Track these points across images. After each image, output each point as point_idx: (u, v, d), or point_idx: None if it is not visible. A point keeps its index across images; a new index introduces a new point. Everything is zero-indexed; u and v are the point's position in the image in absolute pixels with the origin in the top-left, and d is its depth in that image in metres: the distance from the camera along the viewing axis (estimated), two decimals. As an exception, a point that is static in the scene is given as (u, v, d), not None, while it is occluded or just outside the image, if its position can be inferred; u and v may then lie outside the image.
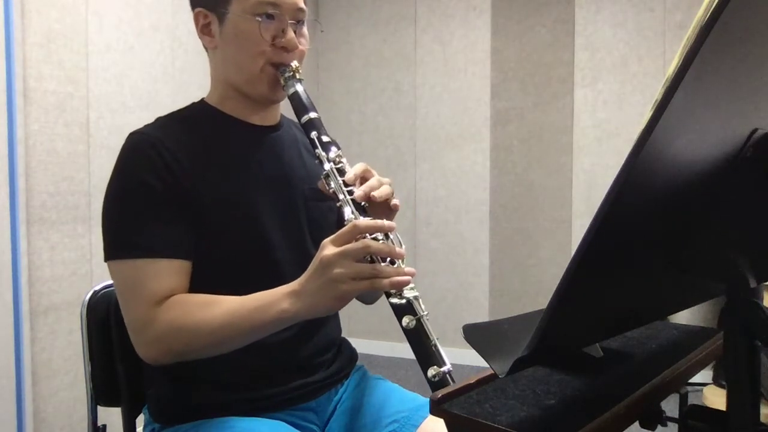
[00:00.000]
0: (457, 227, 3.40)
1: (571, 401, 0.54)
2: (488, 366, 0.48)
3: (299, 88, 0.93)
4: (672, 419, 0.58)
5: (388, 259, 0.79)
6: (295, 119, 0.97)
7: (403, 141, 3.50)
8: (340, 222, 0.99)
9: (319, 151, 0.90)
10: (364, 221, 0.79)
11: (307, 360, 0.97)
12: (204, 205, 0.88)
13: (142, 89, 2.18)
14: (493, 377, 0.57)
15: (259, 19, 0.89)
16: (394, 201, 0.91)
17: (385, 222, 0.80)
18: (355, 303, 0.78)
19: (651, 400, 0.56)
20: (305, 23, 0.97)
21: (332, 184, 0.88)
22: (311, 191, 0.97)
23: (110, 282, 1.06)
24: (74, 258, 1.94)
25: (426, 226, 3.46)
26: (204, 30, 0.96)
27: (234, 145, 0.95)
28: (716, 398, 2.51)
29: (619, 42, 3.05)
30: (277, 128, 1.03)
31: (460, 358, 2.68)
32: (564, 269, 0.39)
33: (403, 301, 0.79)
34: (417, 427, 0.94)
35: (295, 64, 0.93)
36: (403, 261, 0.81)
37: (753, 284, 0.47)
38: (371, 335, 3.43)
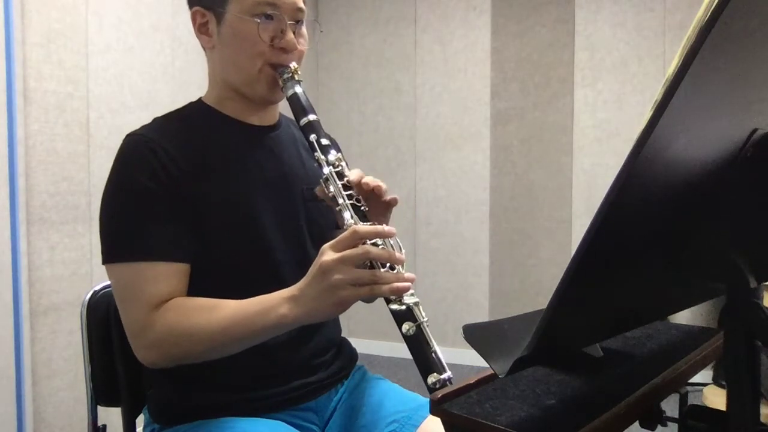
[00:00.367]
0: (457, 227, 3.40)
1: (571, 401, 0.54)
2: (488, 366, 0.48)
3: (298, 89, 0.92)
4: (672, 419, 0.58)
5: (388, 264, 0.79)
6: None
7: (403, 141, 3.50)
8: (338, 224, 0.99)
9: (319, 154, 0.89)
10: (363, 226, 0.79)
11: (307, 360, 0.97)
12: (202, 207, 0.88)
13: (142, 89, 2.18)
14: (493, 377, 0.57)
15: (258, 20, 0.88)
16: (393, 195, 0.91)
17: (385, 227, 0.79)
18: (355, 303, 0.78)
19: (651, 400, 0.56)
20: (304, 23, 0.96)
21: (331, 188, 0.87)
22: (310, 191, 0.96)
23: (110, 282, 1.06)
24: (74, 258, 1.94)
25: (426, 226, 3.46)
26: (201, 29, 0.95)
27: (232, 145, 0.95)
28: (716, 398, 2.51)
29: (619, 42, 3.05)
30: (276, 128, 1.02)
31: (460, 358, 2.69)
32: (564, 269, 0.39)
33: (403, 307, 0.78)
34: (417, 427, 0.94)
35: (294, 65, 0.92)
36: (403, 266, 0.80)
37: (753, 284, 0.47)
38: (371, 335, 3.43)
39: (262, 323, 0.79)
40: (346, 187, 0.86)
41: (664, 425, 0.57)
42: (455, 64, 3.38)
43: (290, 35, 0.91)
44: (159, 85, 2.26)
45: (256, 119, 0.99)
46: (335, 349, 1.04)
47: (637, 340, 0.73)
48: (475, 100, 3.34)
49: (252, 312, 0.80)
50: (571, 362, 0.63)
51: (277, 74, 0.92)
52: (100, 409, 1.04)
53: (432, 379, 0.76)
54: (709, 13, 0.33)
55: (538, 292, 3.24)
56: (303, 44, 0.95)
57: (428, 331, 0.78)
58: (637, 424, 0.56)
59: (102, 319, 1.03)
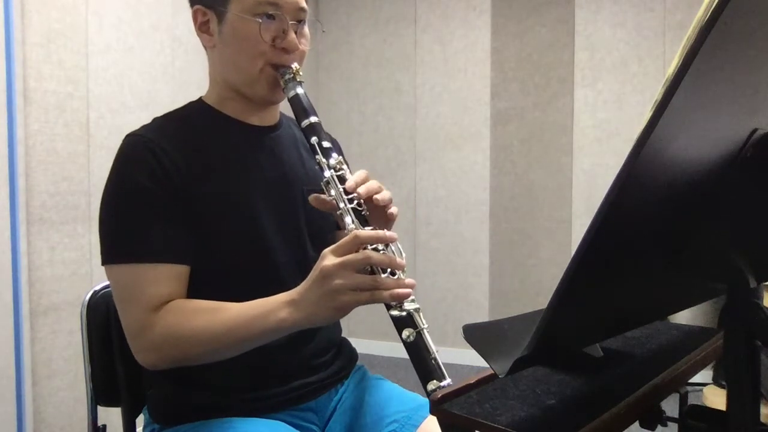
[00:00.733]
0: (457, 227, 3.40)
1: (571, 401, 0.54)
2: (488, 366, 0.48)
3: (300, 90, 0.91)
4: (672, 419, 0.58)
5: (389, 270, 0.78)
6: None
7: (403, 141, 3.50)
8: (339, 225, 0.98)
9: (320, 157, 0.89)
10: (365, 232, 0.78)
11: (308, 360, 0.97)
12: (202, 207, 0.88)
13: (142, 89, 2.19)
14: (493, 377, 0.57)
15: (260, 20, 0.88)
16: (393, 209, 0.90)
17: (387, 233, 0.79)
18: (355, 308, 0.78)
19: (651, 400, 0.56)
20: (306, 23, 0.95)
21: (332, 192, 0.86)
22: (310, 192, 0.95)
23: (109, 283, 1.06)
24: (74, 258, 1.94)
25: (426, 226, 3.46)
26: (202, 28, 0.94)
27: (232, 146, 0.94)
28: (716, 398, 2.51)
29: (619, 42, 3.05)
30: (276, 128, 1.02)
31: (460, 358, 2.69)
32: (564, 269, 0.39)
33: (404, 313, 0.78)
34: (417, 427, 0.94)
35: (295, 66, 0.91)
36: (403, 272, 0.80)
37: (753, 284, 0.47)
38: (371, 335, 3.43)
39: (262, 327, 0.79)
40: (347, 191, 0.86)
41: (664, 425, 0.57)
42: (455, 64, 3.38)
43: (292, 35, 0.90)
44: (159, 85, 2.26)
45: (256, 119, 0.98)
46: (335, 350, 1.04)
47: (637, 340, 0.73)
48: (475, 100, 3.34)
49: (251, 315, 0.80)
50: (571, 362, 0.63)
51: (278, 75, 0.91)
52: (100, 409, 1.04)
53: (431, 386, 0.76)
54: (709, 13, 0.33)
55: (538, 292, 3.24)
56: (305, 44, 0.94)
57: (428, 338, 0.78)
58: (637, 424, 0.56)
59: (102, 319, 1.03)
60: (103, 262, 0.86)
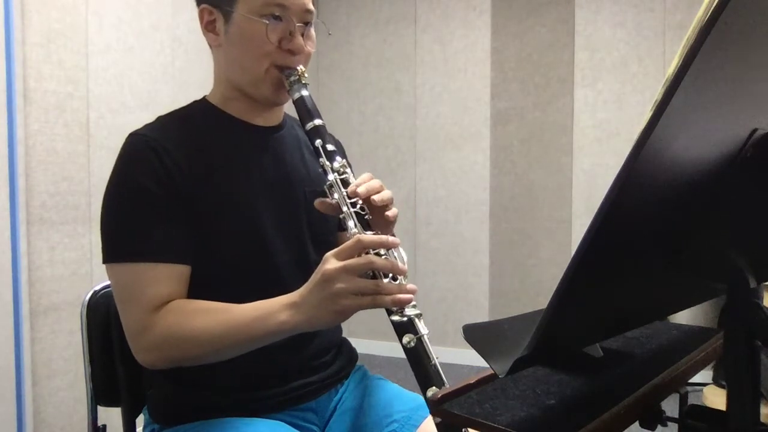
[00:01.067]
0: (457, 227, 3.40)
1: (571, 401, 0.54)
2: (488, 366, 0.48)
3: (305, 93, 0.91)
4: (672, 419, 0.58)
5: (391, 275, 0.78)
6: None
7: (403, 141, 3.50)
8: (341, 227, 0.98)
9: (324, 160, 0.88)
10: (368, 236, 0.78)
11: (308, 361, 0.97)
12: (203, 207, 0.87)
13: (142, 89, 2.19)
14: (493, 377, 0.57)
15: (266, 21, 0.87)
16: (391, 211, 0.90)
17: (389, 238, 0.79)
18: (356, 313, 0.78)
19: (651, 400, 0.56)
20: (312, 25, 0.94)
21: (335, 195, 0.86)
22: (312, 193, 0.95)
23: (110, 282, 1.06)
24: (74, 258, 1.94)
25: (426, 226, 3.46)
26: (208, 27, 0.93)
27: (235, 146, 0.94)
28: (716, 398, 2.51)
29: (619, 42, 3.05)
30: (280, 128, 1.01)
31: (460, 358, 2.69)
32: (564, 269, 0.39)
33: (405, 319, 0.78)
34: (417, 427, 0.94)
35: (301, 68, 0.91)
36: (405, 277, 0.80)
37: (753, 284, 0.47)
38: (371, 335, 3.43)
39: (262, 329, 0.79)
40: (350, 194, 0.85)
41: (664, 425, 0.57)
42: (455, 64, 3.38)
43: (298, 37, 0.90)
44: (159, 85, 2.26)
45: (260, 120, 0.98)
46: (335, 350, 1.04)
47: (637, 340, 0.73)
48: (475, 100, 3.34)
49: (252, 317, 0.80)
50: (571, 362, 0.63)
51: (283, 76, 0.91)
52: (100, 409, 1.04)
53: (431, 392, 0.76)
54: (709, 13, 0.33)
55: (538, 292, 3.24)
56: (310, 46, 0.94)
57: (428, 344, 0.78)
58: (637, 424, 0.56)
59: (102, 319, 1.03)
60: (104, 261, 0.86)
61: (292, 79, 0.91)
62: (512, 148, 3.29)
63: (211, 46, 0.96)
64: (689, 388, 0.62)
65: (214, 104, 0.97)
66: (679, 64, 0.34)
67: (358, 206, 0.85)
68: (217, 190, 0.89)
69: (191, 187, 0.86)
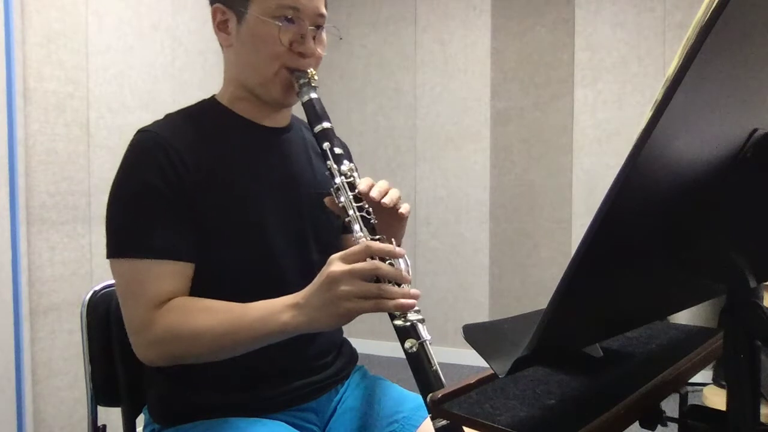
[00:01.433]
0: (457, 227, 3.40)
1: (571, 401, 0.54)
2: (488, 366, 0.48)
3: (314, 95, 0.91)
4: (672, 419, 0.58)
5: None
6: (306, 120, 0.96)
7: (403, 141, 3.50)
8: (345, 229, 0.98)
9: (331, 163, 0.89)
10: (377, 244, 0.78)
11: (309, 361, 0.97)
12: (209, 207, 0.88)
13: (142, 89, 2.18)
14: (493, 377, 0.57)
15: (279, 23, 0.88)
16: (403, 207, 0.90)
17: (396, 248, 0.80)
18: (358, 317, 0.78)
19: (651, 400, 0.56)
20: (324, 29, 0.95)
21: (342, 199, 0.87)
22: (318, 196, 0.96)
23: (110, 282, 1.06)
24: (74, 258, 1.94)
25: (426, 226, 3.46)
26: (220, 27, 0.94)
27: (243, 146, 0.94)
28: (716, 398, 2.51)
29: (619, 42, 3.05)
30: (287, 130, 1.02)
31: (460, 358, 2.69)
32: (564, 269, 0.39)
33: (407, 324, 0.78)
34: (417, 427, 0.95)
35: (311, 71, 0.92)
36: (408, 286, 0.80)
37: (753, 284, 0.47)
38: (371, 335, 3.43)
39: (264, 329, 0.79)
40: (356, 198, 0.86)
41: (664, 425, 0.57)
42: (455, 64, 3.38)
43: (310, 40, 0.90)
44: (159, 85, 2.26)
45: (268, 121, 0.98)
46: (336, 351, 1.04)
47: (637, 340, 0.73)
48: (475, 100, 3.34)
49: (254, 317, 0.80)
50: (571, 362, 0.63)
51: (293, 78, 0.91)
52: (100, 409, 1.04)
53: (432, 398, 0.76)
54: (709, 13, 0.33)
55: (538, 292, 3.24)
56: (321, 50, 0.95)
57: (430, 350, 0.78)
58: (637, 424, 0.56)
59: (102, 319, 1.03)
60: (108, 256, 0.86)
61: (302, 81, 0.91)
62: (512, 148, 3.29)
63: (222, 46, 0.97)
64: (689, 388, 0.62)
65: (222, 103, 0.97)
66: (679, 64, 0.34)
67: (365, 210, 0.85)
68: (223, 188, 0.89)
69: (198, 184, 0.87)
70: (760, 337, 0.46)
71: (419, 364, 0.77)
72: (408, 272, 0.80)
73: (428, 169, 3.45)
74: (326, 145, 0.90)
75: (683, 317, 2.56)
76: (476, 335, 0.56)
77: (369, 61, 3.56)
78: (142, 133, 0.89)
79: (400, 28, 3.49)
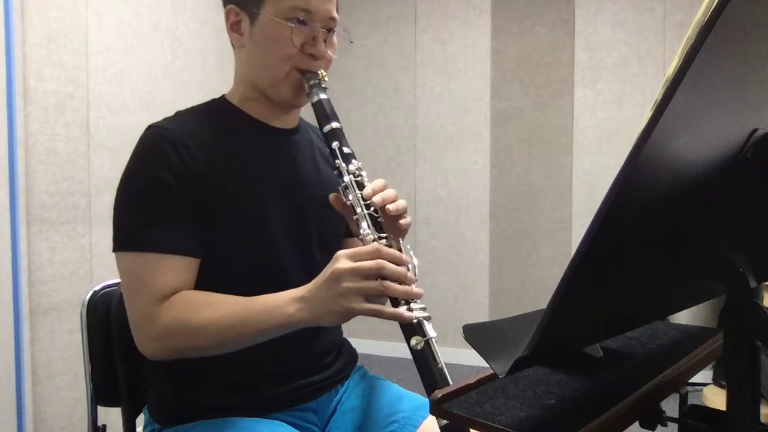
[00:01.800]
0: (457, 227, 3.40)
1: (571, 401, 0.54)
2: (488, 366, 0.48)
3: (323, 96, 0.93)
4: (672, 419, 0.58)
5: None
6: (314, 123, 0.97)
7: (403, 141, 3.50)
8: (349, 231, 0.99)
9: (339, 162, 0.90)
10: (386, 248, 0.79)
11: (309, 361, 0.97)
12: (216, 204, 0.88)
13: (142, 89, 2.18)
14: (493, 377, 0.57)
15: (292, 25, 0.89)
16: (404, 220, 0.91)
17: (403, 256, 0.81)
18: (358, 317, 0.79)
19: (651, 400, 0.56)
20: (334, 32, 0.96)
21: (350, 197, 0.88)
22: (323, 198, 0.97)
23: (110, 282, 1.06)
24: (74, 258, 1.94)
25: (426, 226, 3.46)
26: (233, 27, 0.95)
27: (251, 145, 0.95)
28: (716, 398, 2.51)
29: (619, 42, 3.05)
30: (295, 132, 1.03)
31: (460, 358, 2.69)
32: (564, 269, 0.39)
33: (414, 321, 0.78)
34: (417, 427, 0.95)
35: (322, 72, 0.93)
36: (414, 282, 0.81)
37: (753, 284, 0.47)
38: (371, 335, 3.43)
39: (269, 322, 0.80)
40: (364, 197, 0.87)
41: (664, 425, 0.57)
42: (455, 64, 3.38)
43: (321, 43, 0.92)
44: (159, 85, 2.26)
45: (277, 122, 0.99)
46: (336, 351, 1.04)
47: (637, 340, 0.73)
48: (475, 100, 3.34)
49: (259, 310, 0.80)
50: (571, 362, 0.63)
51: (303, 79, 0.93)
52: (100, 409, 1.04)
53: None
54: (709, 13, 0.33)
55: (538, 292, 3.24)
56: (332, 52, 0.96)
57: (436, 347, 0.78)
58: (637, 424, 0.56)
59: (102, 319, 1.03)
60: (114, 249, 0.87)
61: (312, 82, 0.92)
62: (512, 148, 3.29)
63: (234, 47, 0.98)
64: (689, 388, 0.62)
65: (232, 103, 0.98)
66: (679, 64, 0.34)
67: (372, 209, 0.86)
68: (231, 186, 0.90)
69: (206, 181, 0.87)
70: (760, 337, 0.46)
71: (425, 362, 0.77)
72: (415, 274, 0.82)
73: (428, 169, 3.45)
74: (335, 144, 0.91)
75: (683, 317, 2.56)
76: (476, 335, 0.56)
77: (369, 61, 3.56)
78: (152, 128, 0.90)
79: (400, 28, 3.49)
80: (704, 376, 2.72)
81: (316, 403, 0.97)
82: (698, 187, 0.47)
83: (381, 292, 0.76)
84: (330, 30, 0.94)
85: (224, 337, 0.81)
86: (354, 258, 0.77)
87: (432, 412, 0.53)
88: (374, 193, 0.87)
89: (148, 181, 0.86)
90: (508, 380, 0.58)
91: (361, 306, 0.75)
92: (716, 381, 2.67)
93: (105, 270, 2.03)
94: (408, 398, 1.01)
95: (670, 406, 0.56)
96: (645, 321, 0.72)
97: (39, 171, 1.82)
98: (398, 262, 0.79)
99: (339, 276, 0.76)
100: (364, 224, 0.85)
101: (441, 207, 3.43)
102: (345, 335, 1.10)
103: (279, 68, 0.91)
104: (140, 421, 1.02)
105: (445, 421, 0.73)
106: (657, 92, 0.35)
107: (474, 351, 0.52)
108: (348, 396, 1.02)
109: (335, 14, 0.94)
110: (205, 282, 0.88)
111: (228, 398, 0.90)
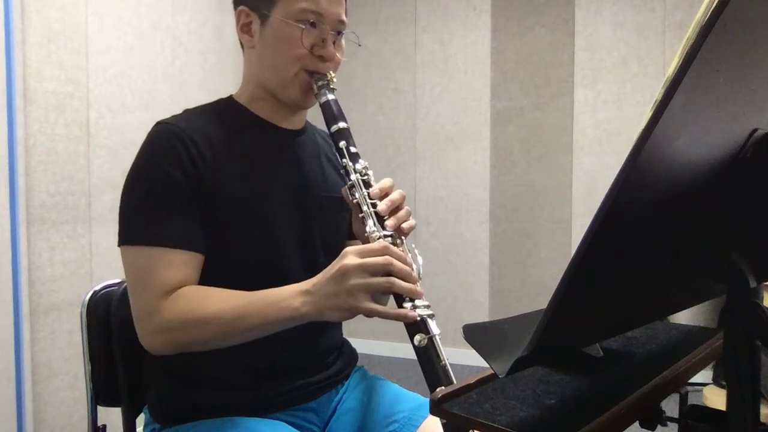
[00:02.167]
0: (457, 227, 3.40)
1: (571, 401, 0.54)
2: (488, 366, 0.48)
3: (331, 97, 0.94)
4: (672, 419, 0.58)
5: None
6: (320, 126, 0.98)
7: (403, 141, 3.50)
8: (352, 233, 1.00)
9: (347, 161, 0.91)
10: (395, 249, 0.80)
11: (309, 362, 0.97)
12: (221, 202, 0.88)
13: (142, 89, 2.18)
14: (493, 377, 0.57)
15: (302, 27, 0.90)
16: (407, 223, 0.91)
17: (408, 256, 0.82)
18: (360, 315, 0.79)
19: (651, 400, 0.56)
20: (343, 35, 0.98)
21: (356, 195, 0.89)
22: (327, 199, 0.98)
23: (110, 282, 1.06)
24: (74, 258, 1.94)
25: (426, 226, 3.46)
26: (244, 29, 0.96)
27: (258, 146, 0.96)
28: (716, 398, 2.51)
29: (619, 42, 3.05)
30: (301, 133, 1.03)
31: (460, 358, 2.68)
32: (564, 269, 0.39)
33: (418, 318, 0.78)
34: (417, 427, 0.95)
35: (330, 73, 0.94)
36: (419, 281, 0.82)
37: (753, 284, 0.47)
38: (371, 335, 3.43)
39: (274, 315, 0.80)
40: (370, 196, 0.88)
41: (664, 425, 0.57)
42: (455, 64, 3.38)
43: (330, 45, 0.93)
44: (159, 85, 2.26)
45: (284, 123, 1.00)
46: (337, 351, 1.04)
47: (637, 340, 0.73)
48: (475, 100, 3.34)
49: (265, 302, 0.81)
50: (571, 362, 0.63)
51: (312, 80, 0.94)
52: (100, 409, 1.04)
53: None
54: (709, 13, 0.33)
55: (538, 292, 3.24)
56: (340, 54, 0.98)
57: (440, 345, 0.78)
58: (637, 424, 0.56)
59: (102, 319, 1.03)
60: (120, 243, 0.87)
61: (321, 83, 0.94)
62: (512, 148, 3.29)
63: (243, 48, 0.99)
64: (689, 388, 0.62)
65: (240, 103, 0.99)
66: (679, 64, 0.34)
67: (378, 207, 0.87)
68: (237, 185, 0.90)
69: (212, 179, 0.88)
70: (760, 337, 0.46)
71: (428, 359, 0.77)
72: (419, 273, 0.82)
73: (428, 169, 3.45)
74: (342, 143, 0.92)
75: (683, 317, 2.56)
76: (476, 335, 0.56)
77: (369, 61, 3.56)
78: (161, 124, 0.90)
79: (400, 28, 3.49)
80: (704, 376, 2.72)
81: (316, 403, 0.97)
82: (698, 187, 0.47)
83: (387, 288, 0.77)
84: (339, 32, 0.96)
85: (228, 329, 0.82)
86: (362, 254, 0.78)
87: (432, 412, 0.53)
88: (381, 192, 0.89)
89: (156, 177, 0.86)
90: (508, 380, 0.58)
91: (367, 305, 0.76)
92: (716, 381, 2.67)
93: (105, 270, 2.03)
94: (408, 398, 1.01)
95: (670, 406, 0.56)
96: (645, 321, 0.72)
97: (39, 171, 1.82)
98: (404, 261, 0.80)
99: (347, 272, 0.76)
100: (370, 222, 0.86)
101: (441, 207, 3.43)
102: (345, 335, 1.10)
103: (288, 69, 0.93)
104: (140, 421, 1.02)
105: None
106: (657, 92, 0.35)
107: (474, 351, 0.52)
108: (348, 396, 1.02)
109: (344, 17, 0.96)
110: (208, 280, 0.88)
111: (228, 398, 0.90)
